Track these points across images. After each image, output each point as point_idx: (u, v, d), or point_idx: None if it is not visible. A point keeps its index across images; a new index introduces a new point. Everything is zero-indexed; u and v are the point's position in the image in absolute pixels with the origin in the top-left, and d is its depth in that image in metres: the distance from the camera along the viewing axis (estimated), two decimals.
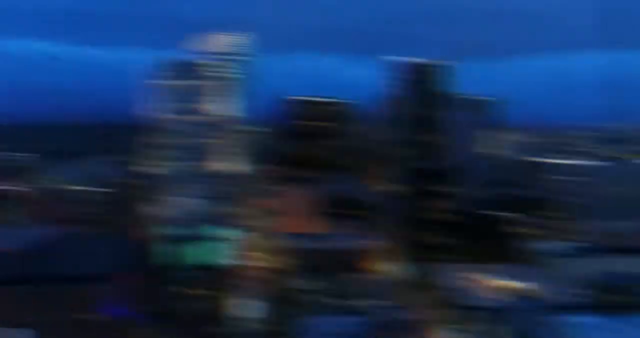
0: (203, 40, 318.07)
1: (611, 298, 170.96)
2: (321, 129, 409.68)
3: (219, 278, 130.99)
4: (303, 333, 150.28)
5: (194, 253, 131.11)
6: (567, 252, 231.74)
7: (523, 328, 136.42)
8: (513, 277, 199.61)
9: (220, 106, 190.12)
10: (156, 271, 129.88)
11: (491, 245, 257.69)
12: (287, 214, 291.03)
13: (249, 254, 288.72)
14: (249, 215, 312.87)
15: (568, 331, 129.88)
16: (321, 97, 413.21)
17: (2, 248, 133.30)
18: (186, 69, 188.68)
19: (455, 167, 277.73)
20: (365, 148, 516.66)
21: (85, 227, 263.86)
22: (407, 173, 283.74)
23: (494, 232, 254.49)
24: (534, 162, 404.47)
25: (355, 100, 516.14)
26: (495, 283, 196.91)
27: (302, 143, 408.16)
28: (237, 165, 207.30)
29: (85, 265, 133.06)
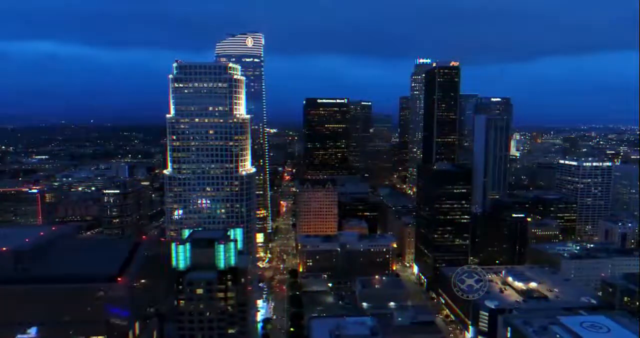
0: (221, 42, 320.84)
1: (627, 299, 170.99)
2: (337, 130, 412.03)
3: (235, 278, 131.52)
4: (316, 333, 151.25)
5: (212, 255, 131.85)
6: (583, 253, 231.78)
7: (533, 328, 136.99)
8: (529, 278, 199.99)
9: (238, 108, 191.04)
10: (172, 272, 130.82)
11: (507, 246, 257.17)
12: (304, 215, 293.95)
13: (266, 255, 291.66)
14: (266, 216, 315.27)
15: (579, 331, 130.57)
16: (336, 98, 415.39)
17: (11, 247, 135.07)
18: (204, 71, 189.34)
19: (471, 168, 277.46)
20: (380, 149, 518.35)
21: (99, 228, 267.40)
22: (424, 174, 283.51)
23: (510, 233, 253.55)
24: (551, 164, 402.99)
25: (371, 102, 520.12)
26: (511, 284, 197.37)
27: (319, 144, 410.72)
28: (255, 167, 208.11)
29: (95, 265, 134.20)
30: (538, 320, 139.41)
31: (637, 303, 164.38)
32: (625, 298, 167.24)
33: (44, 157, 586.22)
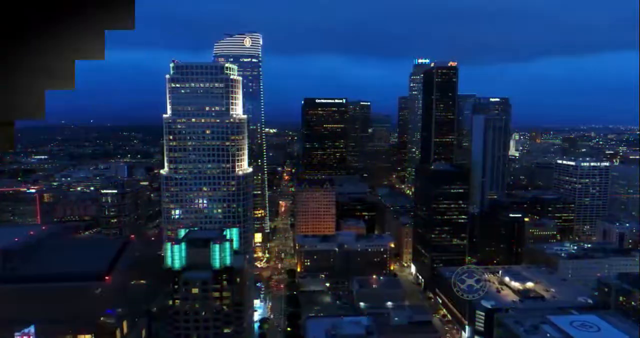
0: (219, 42, 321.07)
1: (623, 299, 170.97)
2: (336, 130, 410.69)
3: (231, 278, 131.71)
4: (312, 333, 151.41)
5: (207, 254, 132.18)
6: (580, 253, 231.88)
7: (524, 327, 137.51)
8: (526, 277, 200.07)
9: (235, 108, 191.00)
10: (162, 271, 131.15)
11: (504, 246, 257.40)
12: (302, 215, 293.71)
13: (264, 255, 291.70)
14: (264, 216, 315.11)
15: (569, 330, 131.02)
16: (335, 98, 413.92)
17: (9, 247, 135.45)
18: (200, 71, 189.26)
19: (469, 168, 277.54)
20: (379, 149, 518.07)
21: (97, 228, 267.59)
22: (422, 174, 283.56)
23: (508, 233, 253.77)
24: (550, 164, 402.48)
25: (370, 102, 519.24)
26: (508, 284, 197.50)
27: (317, 144, 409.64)
28: (253, 167, 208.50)
29: (83, 264, 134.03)
30: (530, 320, 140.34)
31: (633, 303, 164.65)
32: (621, 298, 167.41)
33: (43, 157, 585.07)
